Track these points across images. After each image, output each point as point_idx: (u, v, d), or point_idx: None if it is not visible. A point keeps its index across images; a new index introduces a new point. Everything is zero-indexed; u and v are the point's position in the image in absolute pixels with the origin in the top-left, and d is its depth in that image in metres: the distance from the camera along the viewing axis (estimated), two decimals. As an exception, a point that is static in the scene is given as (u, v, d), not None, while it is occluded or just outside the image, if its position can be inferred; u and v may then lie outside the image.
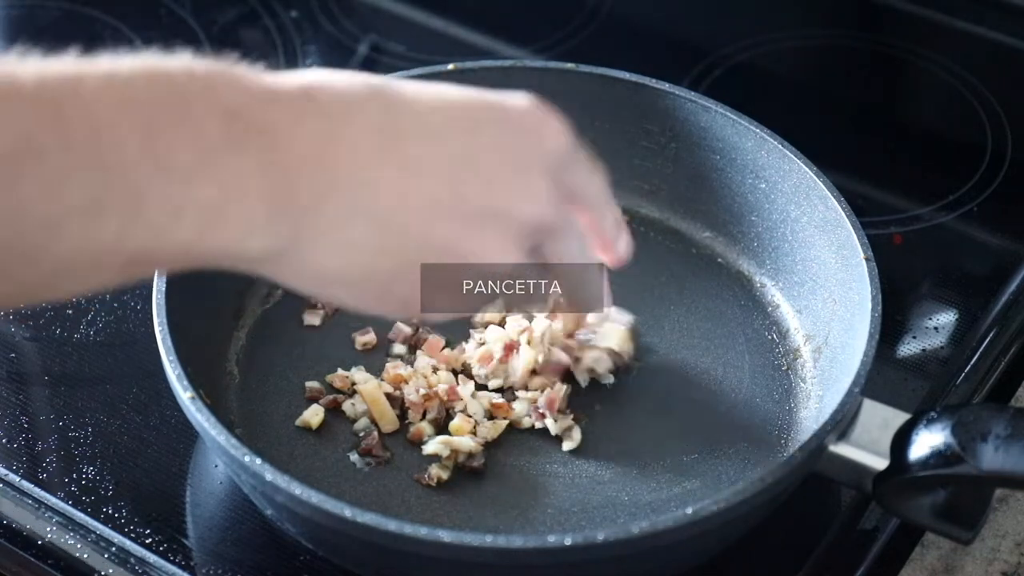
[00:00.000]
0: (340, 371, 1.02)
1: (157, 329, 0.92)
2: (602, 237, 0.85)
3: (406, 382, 1.01)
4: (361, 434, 0.99)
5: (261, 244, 0.69)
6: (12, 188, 0.61)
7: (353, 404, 1.00)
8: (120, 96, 0.64)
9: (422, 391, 1.00)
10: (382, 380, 1.01)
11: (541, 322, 1.01)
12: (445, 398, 1.00)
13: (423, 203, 0.73)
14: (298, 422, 0.99)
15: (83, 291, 0.69)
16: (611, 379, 1.02)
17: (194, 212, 0.66)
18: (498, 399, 1.01)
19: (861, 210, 1.05)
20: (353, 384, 1.01)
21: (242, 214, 0.67)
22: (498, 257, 0.76)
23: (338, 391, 1.01)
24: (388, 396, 1.00)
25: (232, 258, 0.69)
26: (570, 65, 1.13)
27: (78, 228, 0.63)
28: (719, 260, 1.12)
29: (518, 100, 0.77)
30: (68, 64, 0.65)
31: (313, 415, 0.99)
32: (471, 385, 1.01)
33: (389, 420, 0.99)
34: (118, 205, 0.64)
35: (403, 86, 0.75)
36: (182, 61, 0.67)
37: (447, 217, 0.73)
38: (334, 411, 1.00)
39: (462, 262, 0.75)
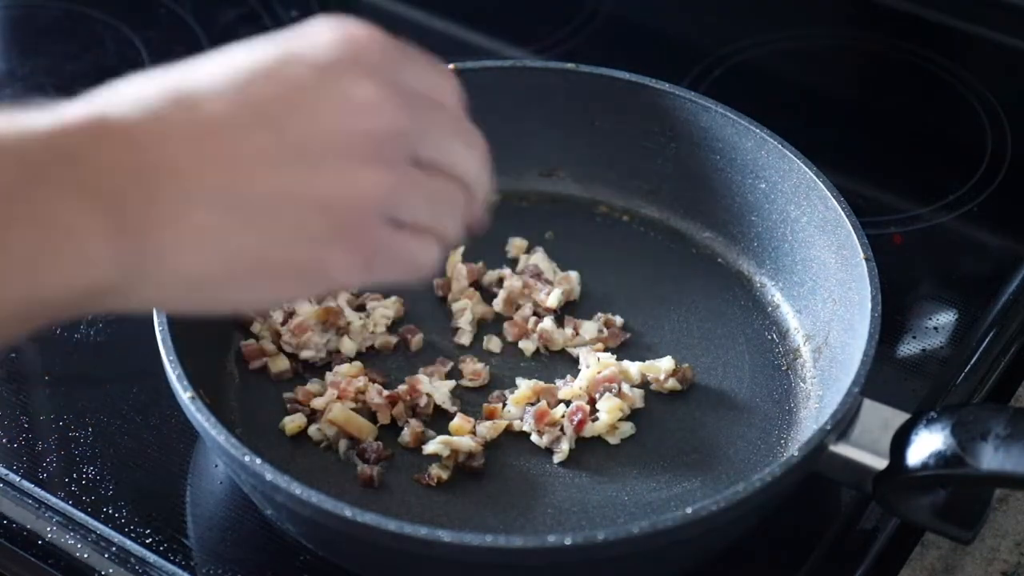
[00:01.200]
0: (300, 388, 1.01)
1: (157, 329, 0.92)
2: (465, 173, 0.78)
3: (363, 392, 1.00)
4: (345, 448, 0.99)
5: (107, 269, 0.64)
6: None
7: (319, 428, 0.99)
8: None
9: (385, 392, 1.00)
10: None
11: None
12: (407, 397, 1.00)
13: (253, 161, 0.67)
14: (280, 426, 0.99)
15: None
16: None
17: (19, 261, 0.62)
18: (490, 404, 1.00)
19: (861, 210, 1.05)
20: (312, 404, 1.00)
21: (73, 244, 0.63)
22: (367, 183, 0.70)
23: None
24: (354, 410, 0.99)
25: (83, 297, 0.65)
26: (570, 65, 1.13)
27: None
28: (719, 260, 1.12)
29: (313, 26, 0.72)
30: None
31: (291, 422, 0.99)
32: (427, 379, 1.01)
33: (368, 431, 0.99)
34: None
35: (195, 72, 0.69)
36: None
37: (285, 163, 0.68)
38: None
39: (326, 205, 0.69)
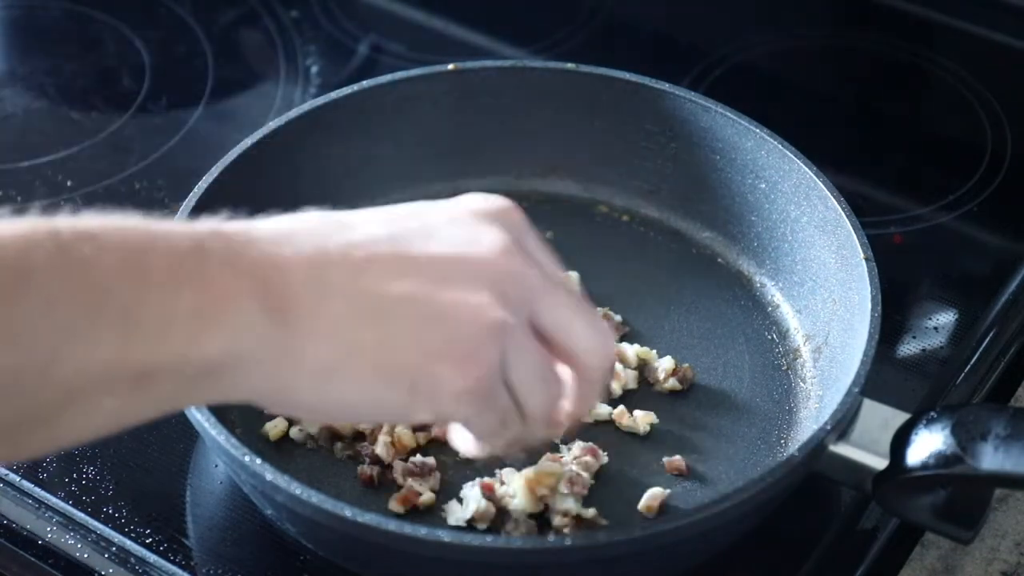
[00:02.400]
0: None
1: (157, 329, 0.92)
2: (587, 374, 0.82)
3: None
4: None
5: (258, 336, 0.69)
6: (11, 305, 0.63)
7: (300, 429, 0.99)
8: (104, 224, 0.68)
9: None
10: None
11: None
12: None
13: (387, 267, 0.74)
14: (262, 432, 0.99)
15: (94, 429, 0.69)
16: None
17: (184, 317, 0.67)
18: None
19: (861, 210, 1.04)
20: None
21: (232, 306, 0.69)
22: (486, 307, 0.74)
23: None
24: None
25: (231, 361, 0.69)
26: (570, 65, 1.13)
27: (74, 347, 0.65)
28: (719, 260, 1.12)
29: (464, 196, 0.80)
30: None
31: (272, 427, 0.99)
32: None
33: (348, 428, 0.99)
34: (110, 318, 0.66)
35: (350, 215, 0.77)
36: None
37: (414, 273, 0.74)
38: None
39: (445, 315, 0.74)
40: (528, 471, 0.93)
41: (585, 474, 0.94)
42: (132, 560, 0.93)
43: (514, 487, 0.93)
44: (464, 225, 0.76)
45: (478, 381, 0.74)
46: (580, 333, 0.78)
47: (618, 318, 1.07)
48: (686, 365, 1.03)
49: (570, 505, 0.92)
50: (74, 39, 1.38)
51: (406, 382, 0.74)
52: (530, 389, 0.77)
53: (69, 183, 1.21)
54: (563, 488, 0.93)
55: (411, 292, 0.73)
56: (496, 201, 0.79)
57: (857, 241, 0.99)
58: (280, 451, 0.98)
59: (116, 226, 0.68)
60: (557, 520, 0.92)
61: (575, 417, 0.82)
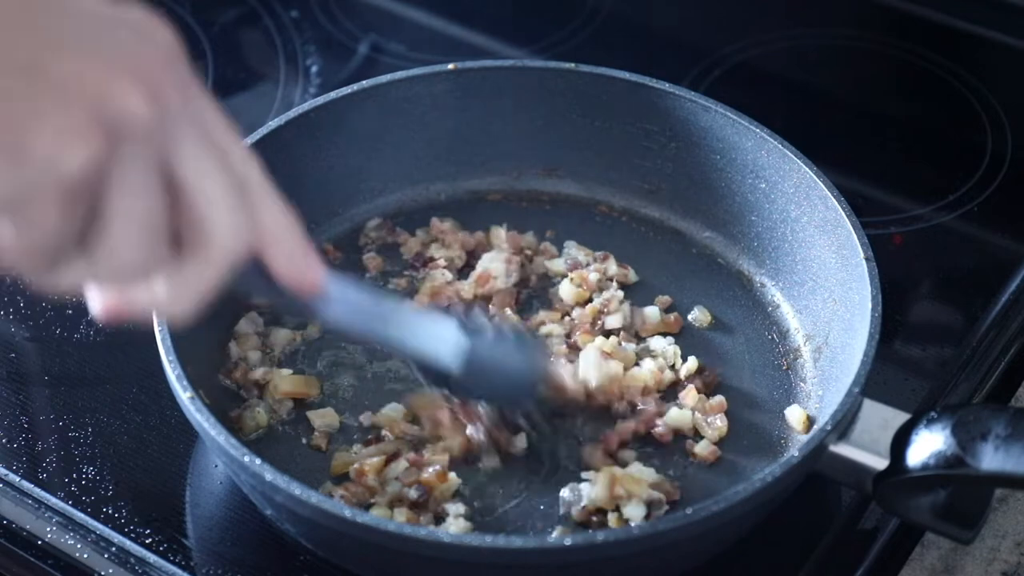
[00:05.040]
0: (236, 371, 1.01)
1: (157, 329, 0.92)
2: (268, 233, 0.71)
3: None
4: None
5: None
6: None
7: (257, 412, 0.99)
8: None
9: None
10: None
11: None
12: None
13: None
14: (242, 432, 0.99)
15: None
16: None
17: None
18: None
19: (861, 210, 1.05)
20: (251, 376, 1.00)
21: None
22: (58, 137, 0.62)
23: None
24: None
25: None
26: (570, 65, 1.13)
27: None
28: (719, 260, 1.12)
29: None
30: None
31: (250, 419, 0.99)
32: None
33: (315, 384, 1.00)
34: None
35: None
36: None
37: (35, 29, 0.63)
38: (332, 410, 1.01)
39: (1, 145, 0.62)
40: (617, 469, 0.94)
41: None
42: (132, 560, 0.93)
43: (596, 476, 0.94)
44: (120, 17, 0.67)
45: (69, 168, 0.63)
46: (216, 196, 0.67)
47: (698, 313, 1.08)
48: (713, 370, 1.04)
49: (635, 513, 0.93)
50: (74, 39, 1.38)
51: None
52: (122, 238, 0.65)
53: (69, 183, 1.21)
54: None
55: (25, 42, 0.63)
56: (154, 17, 0.69)
57: (857, 241, 0.99)
58: (281, 450, 0.98)
59: None
60: (613, 520, 0.93)
61: (163, 303, 0.69)
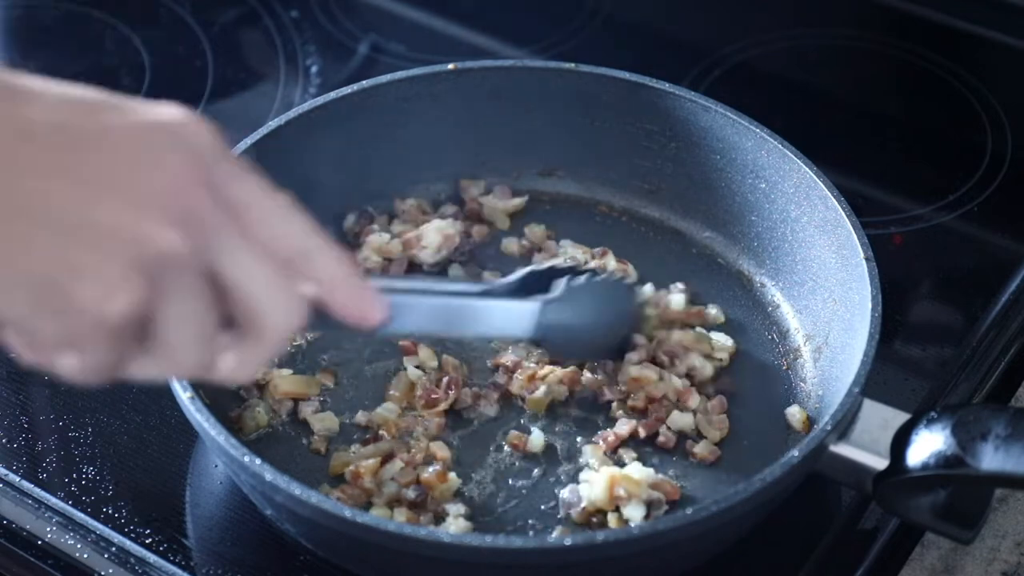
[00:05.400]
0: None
1: (157, 329, 0.92)
2: (327, 284, 0.73)
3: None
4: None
5: None
6: None
7: (257, 412, 0.99)
8: None
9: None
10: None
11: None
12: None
13: (35, 162, 0.65)
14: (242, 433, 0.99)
15: None
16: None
17: None
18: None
19: (861, 210, 1.05)
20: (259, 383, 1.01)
21: None
22: (148, 229, 0.65)
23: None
24: None
25: None
26: (570, 65, 1.13)
27: None
28: (719, 260, 1.12)
29: (162, 104, 0.69)
30: None
31: (250, 419, 0.99)
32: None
33: (315, 384, 1.00)
34: None
35: (32, 81, 0.68)
36: None
37: (65, 174, 0.65)
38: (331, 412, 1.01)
39: (46, 299, 0.64)
40: (616, 470, 0.94)
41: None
42: (132, 560, 0.93)
43: (595, 476, 0.94)
44: (144, 136, 0.67)
45: (116, 313, 0.65)
46: (261, 289, 0.69)
47: (714, 311, 1.07)
48: (731, 380, 1.03)
49: (635, 513, 0.93)
50: (74, 39, 1.38)
51: (27, 290, 0.65)
52: (178, 336, 0.68)
53: (69, 183, 1.21)
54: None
55: (64, 195, 0.64)
56: (189, 116, 0.69)
57: (857, 241, 0.99)
58: (281, 450, 0.98)
59: None
60: (613, 521, 0.93)
61: (233, 375, 0.73)
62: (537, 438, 0.98)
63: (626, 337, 1.01)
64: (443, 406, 0.99)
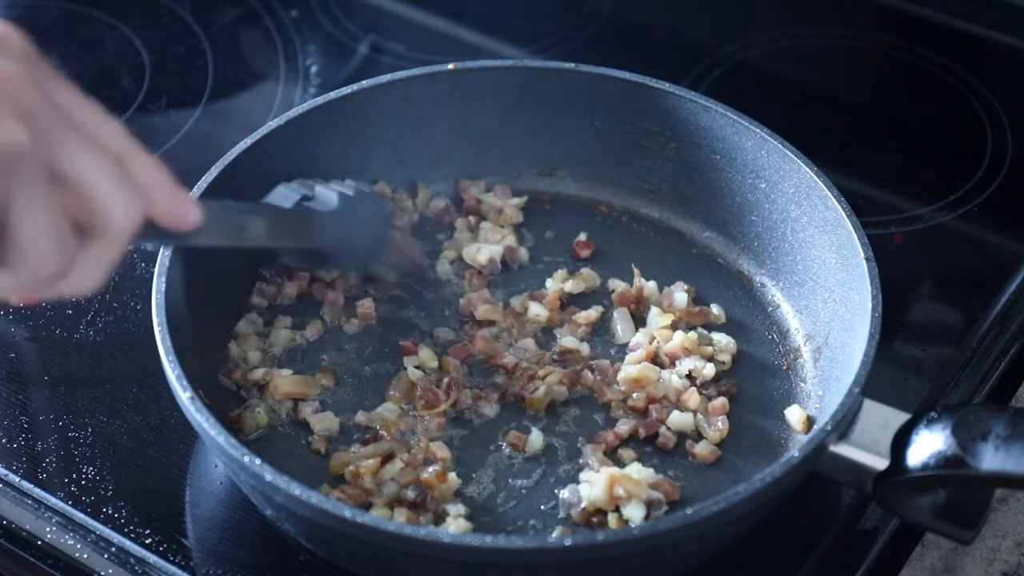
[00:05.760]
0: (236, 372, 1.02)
1: (157, 329, 0.92)
2: (146, 186, 0.74)
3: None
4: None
5: None
6: None
7: (257, 412, 0.99)
8: None
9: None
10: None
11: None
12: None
13: None
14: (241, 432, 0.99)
15: None
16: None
17: None
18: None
19: (861, 210, 1.04)
20: (250, 377, 1.01)
21: None
22: None
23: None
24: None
25: None
26: (570, 65, 1.13)
27: None
28: (719, 260, 1.12)
29: None
30: None
31: (250, 419, 0.99)
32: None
33: (314, 384, 1.01)
34: None
35: None
36: None
37: None
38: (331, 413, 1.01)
39: None
40: (616, 470, 0.94)
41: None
42: (131, 560, 0.93)
43: (595, 476, 0.94)
44: None
45: None
46: (104, 182, 0.71)
47: (716, 309, 1.07)
48: (732, 382, 1.03)
49: (635, 513, 0.93)
50: (74, 39, 1.38)
51: None
52: (32, 237, 0.68)
53: (69, 183, 1.21)
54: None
55: None
56: (3, 27, 0.72)
57: (857, 241, 0.99)
58: (281, 450, 0.98)
59: None
60: (613, 521, 0.93)
61: (85, 281, 0.74)
62: (537, 438, 0.98)
63: (382, 239, 1.07)
64: (443, 407, 0.99)
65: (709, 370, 1.02)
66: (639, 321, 1.07)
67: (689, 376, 1.02)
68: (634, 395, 1.00)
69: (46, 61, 0.72)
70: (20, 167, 0.67)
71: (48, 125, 0.70)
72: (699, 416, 0.99)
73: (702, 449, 0.98)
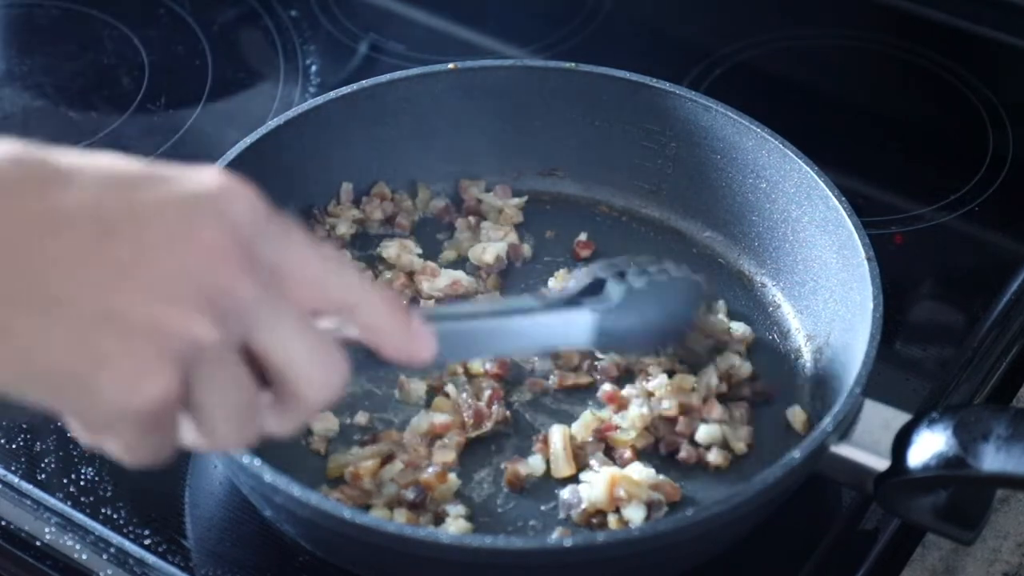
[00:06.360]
0: None
1: (156, 329, 0.92)
2: (374, 331, 0.73)
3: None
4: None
5: None
6: None
7: None
8: None
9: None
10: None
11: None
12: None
13: (65, 256, 0.62)
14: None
15: None
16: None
17: None
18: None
19: (862, 210, 1.04)
20: None
21: None
22: (177, 321, 0.63)
23: None
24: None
25: None
26: (570, 65, 1.13)
27: None
28: (719, 260, 1.12)
29: (201, 167, 0.67)
30: None
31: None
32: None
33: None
34: None
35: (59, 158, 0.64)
36: None
37: (96, 267, 0.62)
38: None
39: (116, 322, 0.62)
40: (617, 471, 0.94)
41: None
42: (131, 561, 0.93)
43: (595, 477, 0.94)
44: (176, 214, 0.64)
45: (144, 404, 0.64)
46: (299, 359, 0.68)
47: (734, 323, 1.06)
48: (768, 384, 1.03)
49: (635, 514, 0.92)
50: (74, 39, 1.38)
51: (51, 384, 0.65)
52: (218, 418, 0.67)
53: (68, 183, 1.21)
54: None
55: (89, 286, 0.62)
56: (228, 182, 0.66)
57: (858, 241, 0.99)
58: (281, 451, 0.97)
59: None
60: (613, 522, 0.93)
61: (276, 433, 0.72)
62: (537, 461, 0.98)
63: (687, 321, 0.96)
64: (489, 424, 0.98)
65: (746, 368, 1.01)
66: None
67: (727, 374, 1.01)
68: (664, 403, 0.98)
69: (270, 211, 0.67)
70: (202, 359, 0.65)
71: (246, 306, 0.66)
72: (724, 427, 0.98)
73: (716, 457, 0.97)
